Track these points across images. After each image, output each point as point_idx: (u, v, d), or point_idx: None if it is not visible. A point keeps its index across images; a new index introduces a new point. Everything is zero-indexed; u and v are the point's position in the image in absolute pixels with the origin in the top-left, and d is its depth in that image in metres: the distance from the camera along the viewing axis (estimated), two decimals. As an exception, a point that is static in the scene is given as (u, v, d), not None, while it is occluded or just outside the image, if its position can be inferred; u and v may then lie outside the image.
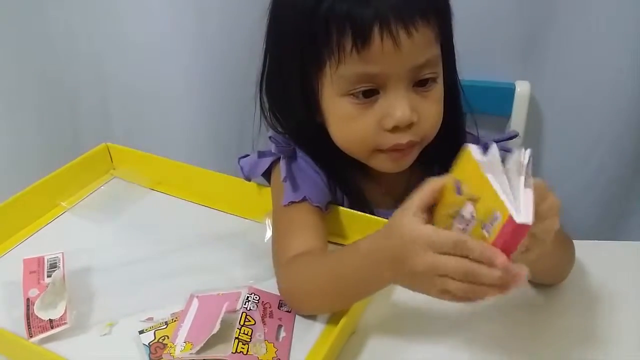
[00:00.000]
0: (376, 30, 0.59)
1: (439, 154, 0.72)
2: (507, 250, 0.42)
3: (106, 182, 0.88)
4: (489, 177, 0.41)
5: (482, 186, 0.42)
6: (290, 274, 0.63)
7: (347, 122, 0.66)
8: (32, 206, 0.79)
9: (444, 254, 0.45)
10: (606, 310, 0.65)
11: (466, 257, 0.44)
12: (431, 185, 0.49)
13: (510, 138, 0.78)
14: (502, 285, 0.43)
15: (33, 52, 1.01)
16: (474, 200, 0.43)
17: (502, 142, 0.77)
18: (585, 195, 1.04)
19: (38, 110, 1.05)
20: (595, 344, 0.61)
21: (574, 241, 0.67)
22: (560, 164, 1.02)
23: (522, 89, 0.94)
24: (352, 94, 0.64)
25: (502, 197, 0.40)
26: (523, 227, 0.40)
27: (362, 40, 0.59)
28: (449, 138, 0.71)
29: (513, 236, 0.41)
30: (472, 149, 0.43)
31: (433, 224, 0.48)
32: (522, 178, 0.42)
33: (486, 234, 0.42)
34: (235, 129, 1.07)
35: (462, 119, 0.75)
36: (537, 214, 0.43)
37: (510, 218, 0.40)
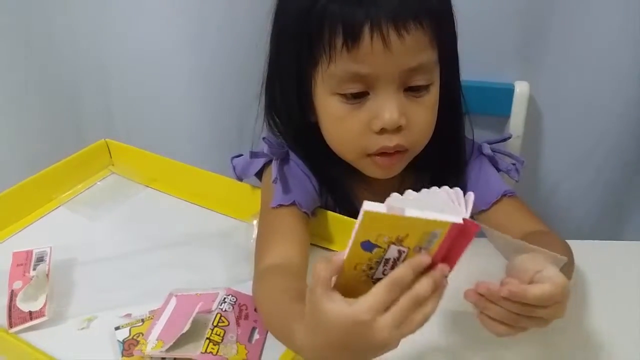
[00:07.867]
0: (366, 29, 0.59)
1: (433, 160, 0.71)
2: (452, 257, 0.42)
3: (104, 178, 0.89)
4: (407, 212, 0.39)
5: (404, 226, 0.40)
6: (260, 287, 0.62)
7: (337, 122, 0.66)
8: (27, 199, 0.80)
9: (387, 308, 0.43)
10: (606, 310, 0.64)
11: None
12: (329, 265, 0.44)
13: (504, 140, 0.77)
14: (437, 286, 0.43)
15: (36, 51, 1.01)
16: (399, 240, 0.41)
17: (496, 144, 0.76)
18: (585, 195, 1.02)
19: (41, 109, 1.06)
20: (595, 344, 0.60)
21: (574, 241, 0.65)
22: (560, 165, 1.01)
23: (521, 89, 0.92)
24: (342, 94, 0.64)
25: (433, 217, 0.40)
26: (463, 226, 0.40)
27: (352, 39, 0.60)
28: (444, 145, 0.71)
29: (457, 238, 0.41)
30: (368, 207, 0.40)
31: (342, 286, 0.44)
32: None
33: (424, 252, 0.42)
34: (236, 129, 1.07)
35: (460, 126, 0.73)
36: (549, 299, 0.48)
37: (453, 224, 0.40)
